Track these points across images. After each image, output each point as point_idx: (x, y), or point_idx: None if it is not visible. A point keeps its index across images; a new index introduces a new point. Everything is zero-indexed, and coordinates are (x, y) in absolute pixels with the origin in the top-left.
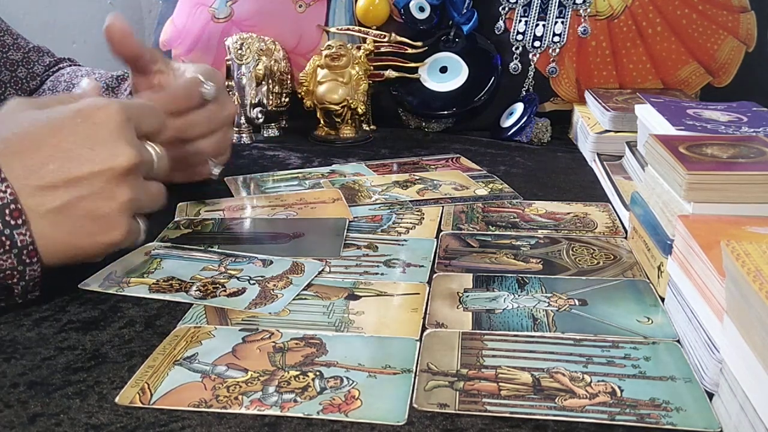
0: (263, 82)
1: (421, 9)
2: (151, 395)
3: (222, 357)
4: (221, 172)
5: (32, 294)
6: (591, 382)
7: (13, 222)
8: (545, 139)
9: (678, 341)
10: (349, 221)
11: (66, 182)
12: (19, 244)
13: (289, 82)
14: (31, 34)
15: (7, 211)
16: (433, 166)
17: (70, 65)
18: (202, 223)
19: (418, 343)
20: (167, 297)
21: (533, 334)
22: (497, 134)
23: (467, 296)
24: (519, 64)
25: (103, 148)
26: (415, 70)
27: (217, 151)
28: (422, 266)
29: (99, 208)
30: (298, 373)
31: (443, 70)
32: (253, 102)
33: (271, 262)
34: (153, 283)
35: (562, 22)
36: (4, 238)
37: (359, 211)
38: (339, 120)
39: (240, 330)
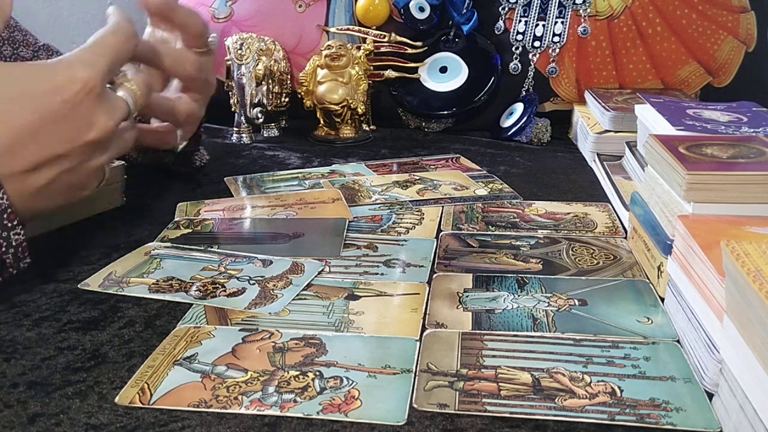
0: (263, 82)
1: (421, 9)
2: (151, 395)
3: (222, 357)
4: (221, 173)
5: (24, 262)
6: (591, 382)
7: None
8: (545, 139)
9: (678, 341)
10: (349, 221)
11: (49, 160)
12: None
13: (288, 82)
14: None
15: None
16: (433, 166)
17: None
18: (202, 223)
19: (418, 343)
20: (167, 297)
21: (533, 334)
22: (497, 134)
23: (467, 296)
24: (519, 64)
25: (82, 123)
26: (414, 70)
27: (192, 116)
28: (422, 266)
29: (79, 175)
30: (297, 373)
31: (443, 70)
32: (253, 102)
33: (271, 262)
34: (153, 283)
35: (562, 22)
36: None
37: (359, 211)
38: (339, 120)
39: (240, 330)
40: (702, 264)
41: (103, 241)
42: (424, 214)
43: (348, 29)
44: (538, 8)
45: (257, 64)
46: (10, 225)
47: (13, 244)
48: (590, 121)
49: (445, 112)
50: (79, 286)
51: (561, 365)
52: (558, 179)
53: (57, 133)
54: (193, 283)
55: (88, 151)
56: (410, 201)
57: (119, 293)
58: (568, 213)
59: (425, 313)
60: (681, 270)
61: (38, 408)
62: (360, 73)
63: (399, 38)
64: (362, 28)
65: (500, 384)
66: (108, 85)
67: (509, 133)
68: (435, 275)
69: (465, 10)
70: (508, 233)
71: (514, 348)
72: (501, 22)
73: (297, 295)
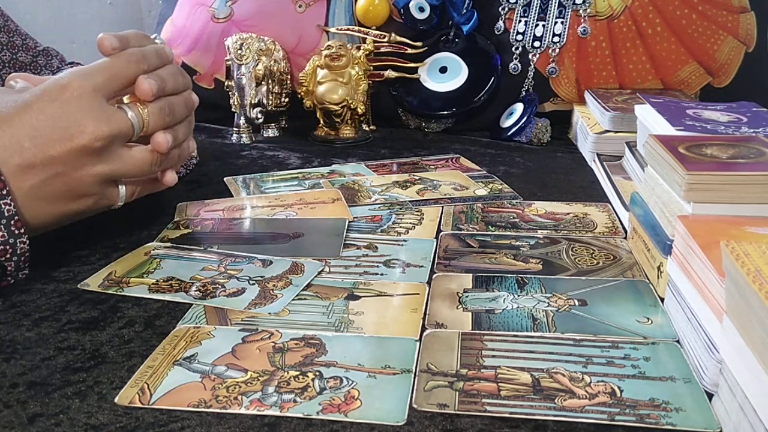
0: (263, 82)
1: (421, 9)
2: (151, 395)
3: (221, 357)
4: (221, 173)
5: (23, 272)
6: (591, 382)
7: None
8: (545, 140)
9: (677, 341)
10: (349, 221)
11: (43, 161)
12: (6, 214)
13: (288, 82)
14: (30, 34)
15: None
16: (432, 167)
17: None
18: (202, 223)
19: (418, 343)
20: (167, 297)
21: (533, 334)
22: (497, 134)
23: (467, 296)
24: (519, 64)
25: (73, 126)
26: (414, 70)
27: (186, 136)
28: (422, 266)
29: (75, 181)
30: (297, 373)
31: (443, 70)
32: (252, 102)
33: (271, 262)
34: (153, 283)
35: (562, 23)
36: None
37: (359, 211)
38: (339, 120)
39: (240, 330)
40: (702, 264)
41: (103, 241)
42: (423, 214)
43: (348, 29)
44: (538, 8)
45: (257, 64)
46: (17, 232)
47: (18, 252)
48: (590, 122)
49: (445, 112)
50: (78, 286)
51: (561, 365)
52: (558, 179)
53: (50, 133)
54: (192, 283)
55: (81, 157)
56: (410, 201)
57: (119, 293)
58: (568, 213)
59: (425, 314)
60: (681, 270)
61: (38, 408)
62: (360, 73)
63: (399, 38)
64: (362, 28)
65: (500, 384)
66: (118, 106)
67: (509, 134)
68: (435, 275)
69: (465, 10)
70: (508, 233)
71: (514, 348)
72: (501, 22)
73: (297, 295)
